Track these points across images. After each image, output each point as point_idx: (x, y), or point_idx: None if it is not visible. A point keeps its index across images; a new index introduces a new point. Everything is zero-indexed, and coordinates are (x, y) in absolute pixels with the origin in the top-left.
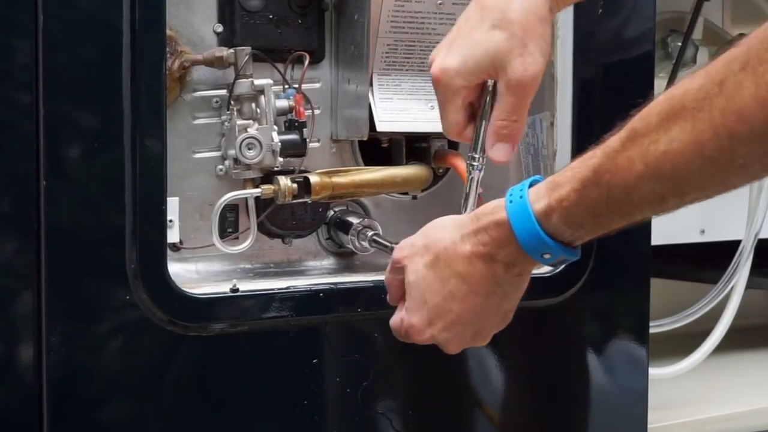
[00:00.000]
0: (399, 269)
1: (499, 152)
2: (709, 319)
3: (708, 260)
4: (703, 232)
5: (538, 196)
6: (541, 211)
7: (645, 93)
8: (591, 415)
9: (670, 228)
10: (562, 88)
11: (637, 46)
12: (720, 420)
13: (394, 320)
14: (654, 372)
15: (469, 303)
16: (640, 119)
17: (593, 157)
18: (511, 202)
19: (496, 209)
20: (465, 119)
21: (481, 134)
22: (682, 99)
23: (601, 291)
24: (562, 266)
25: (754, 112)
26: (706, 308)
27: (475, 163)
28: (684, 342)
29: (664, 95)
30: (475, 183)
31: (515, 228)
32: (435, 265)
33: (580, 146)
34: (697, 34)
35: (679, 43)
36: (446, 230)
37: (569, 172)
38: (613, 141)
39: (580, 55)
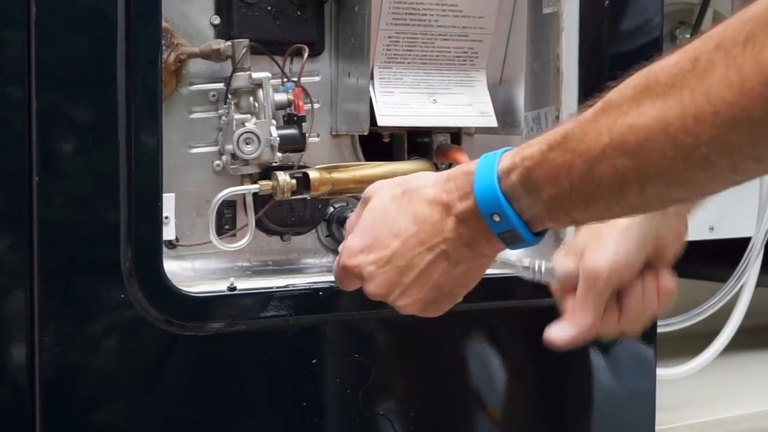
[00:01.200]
0: (366, 200)
1: (558, 334)
2: (718, 319)
3: (717, 258)
4: (712, 229)
5: (508, 155)
6: (503, 168)
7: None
8: (597, 417)
9: None
10: (568, 81)
11: (645, 38)
12: (730, 422)
13: (340, 247)
14: (662, 372)
15: (408, 248)
16: (616, 91)
17: (568, 123)
18: (485, 157)
19: (471, 163)
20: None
21: None
22: (657, 74)
23: None
24: (518, 248)
25: (720, 94)
26: (715, 307)
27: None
28: (693, 342)
29: (643, 69)
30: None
31: (476, 180)
32: (399, 199)
33: None
34: (706, 25)
35: (688, 35)
36: (425, 177)
37: (541, 136)
38: (588, 110)
39: (586, 47)
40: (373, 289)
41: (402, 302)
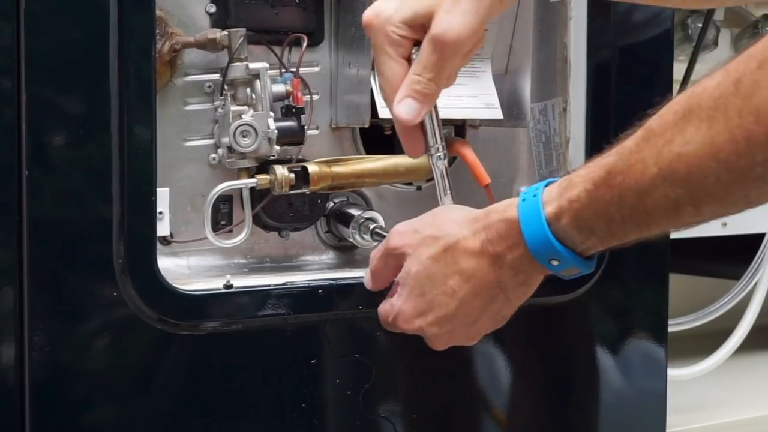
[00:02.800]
0: (396, 256)
1: (403, 108)
2: (731, 317)
3: (730, 254)
4: (725, 224)
5: (551, 197)
6: (551, 213)
7: (663, 77)
8: (606, 418)
9: None
10: (576, 71)
11: (656, 27)
12: (743, 424)
13: (383, 306)
14: (673, 373)
15: (467, 303)
16: (657, 118)
17: (608, 156)
18: (524, 200)
19: (508, 207)
20: (405, 73)
21: (434, 119)
22: (699, 97)
23: (617, 287)
24: (576, 276)
25: None
26: (728, 306)
27: (436, 153)
28: (705, 341)
29: (683, 93)
30: (441, 175)
31: (524, 229)
32: (441, 258)
33: (594, 134)
34: (719, 15)
35: (700, 25)
36: (458, 225)
37: (584, 171)
38: (628, 140)
39: (594, 36)
40: (441, 346)
41: (468, 343)
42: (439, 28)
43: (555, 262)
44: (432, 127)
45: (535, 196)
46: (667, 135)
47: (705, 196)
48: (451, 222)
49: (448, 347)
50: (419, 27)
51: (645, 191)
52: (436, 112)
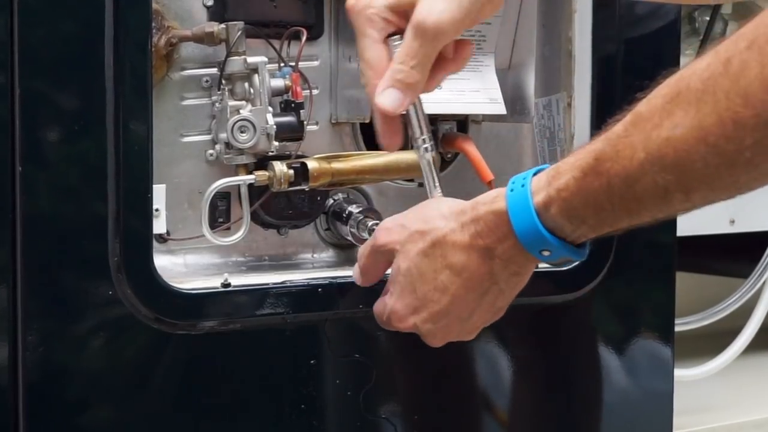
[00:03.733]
0: (385, 252)
1: (385, 98)
2: (739, 317)
3: (738, 252)
4: (733, 222)
5: (539, 186)
6: (540, 203)
7: (670, 72)
8: (612, 420)
9: (698, 218)
10: (580, 65)
11: (662, 20)
12: (751, 426)
13: (378, 305)
14: (680, 374)
15: (460, 297)
16: (645, 102)
17: (597, 142)
18: (512, 191)
19: (496, 198)
20: (387, 57)
21: (419, 110)
22: (688, 80)
23: (622, 286)
24: (569, 266)
25: (759, 95)
26: (736, 305)
27: (423, 145)
28: (712, 341)
29: (673, 75)
30: (428, 167)
31: (513, 220)
32: (430, 253)
33: (599, 129)
34: (726, 8)
35: (707, 18)
36: (445, 218)
37: (572, 159)
38: (617, 125)
39: (599, 30)
40: (438, 342)
41: (466, 338)
42: (420, 14)
43: (546, 253)
44: (417, 118)
45: (523, 186)
46: (655, 119)
47: (694, 182)
48: (438, 215)
49: (446, 343)
50: (402, 14)
51: (634, 178)
52: (420, 102)
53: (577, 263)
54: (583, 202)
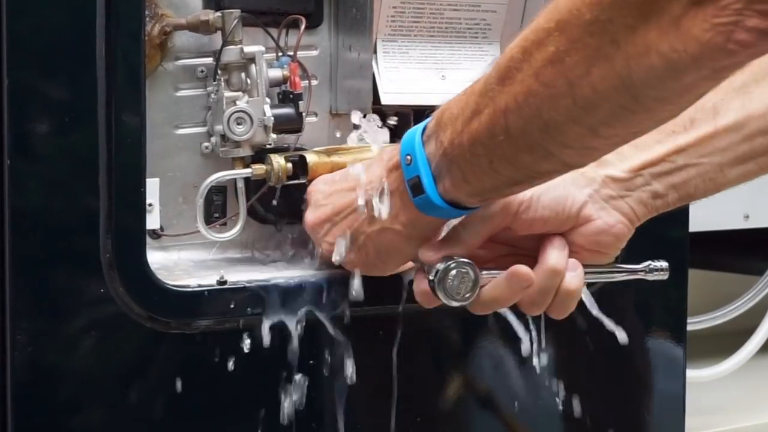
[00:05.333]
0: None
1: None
2: (753, 315)
3: (753, 249)
4: (747, 217)
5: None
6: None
7: None
8: (622, 421)
9: (711, 213)
10: None
11: None
12: (766, 428)
13: None
14: (692, 374)
15: (347, 187)
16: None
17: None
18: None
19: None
20: None
21: None
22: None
23: (633, 283)
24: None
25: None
26: (750, 303)
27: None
28: (725, 341)
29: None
30: None
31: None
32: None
33: None
34: None
35: None
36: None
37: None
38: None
39: None
40: (310, 217)
41: (328, 239)
42: None
43: (408, 158)
44: None
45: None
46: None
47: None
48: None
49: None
50: None
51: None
52: None
53: None
54: (448, 115)
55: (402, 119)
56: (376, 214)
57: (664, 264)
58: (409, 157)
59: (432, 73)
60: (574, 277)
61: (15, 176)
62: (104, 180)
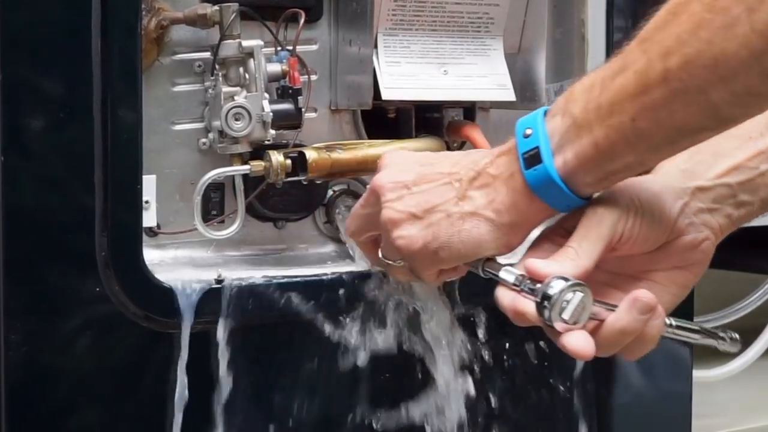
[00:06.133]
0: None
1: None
2: (762, 314)
3: (761, 246)
4: None
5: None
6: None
7: None
8: (628, 422)
9: None
10: (594, 49)
11: None
12: None
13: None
14: (699, 375)
15: (434, 171)
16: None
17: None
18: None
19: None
20: None
21: None
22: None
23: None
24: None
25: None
26: (758, 302)
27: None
28: None
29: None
30: None
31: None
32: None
33: None
34: None
35: None
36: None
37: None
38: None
39: (614, 12)
40: (384, 178)
41: (405, 233)
42: None
43: (528, 131)
44: None
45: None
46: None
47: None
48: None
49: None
50: None
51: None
52: None
53: None
54: (580, 88)
55: (403, 115)
56: (468, 194)
57: (737, 336)
58: (529, 131)
59: (434, 68)
60: (658, 324)
61: (9, 173)
62: (100, 177)
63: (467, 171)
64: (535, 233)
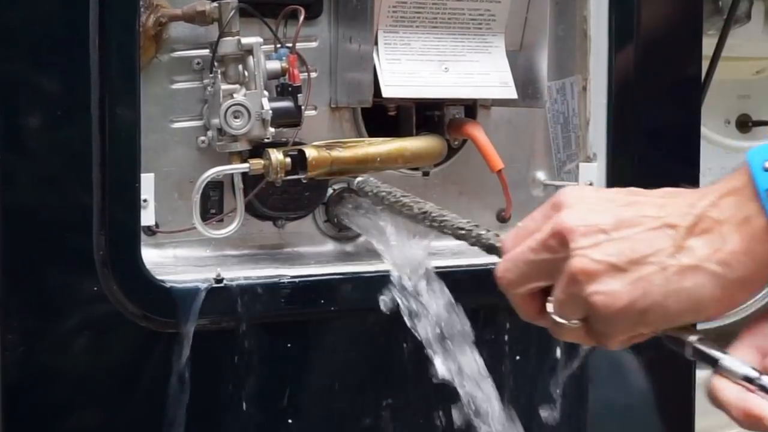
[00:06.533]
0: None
1: None
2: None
3: None
4: None
5: None
6: None
7: (692, 53)
8: (631, 422)
9: None
10: (596, 46)
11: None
12: None
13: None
14: (702, 374)
15: (639, 216)
16: None
17: None
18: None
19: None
20: None
21: None
22: None
23: None
24: None
25: None
26: (761, 302)
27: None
28: None
29: None
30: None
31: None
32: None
33: (616, 114)
34: None
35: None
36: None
37: None
38: None
39: (617, 9)
40: (573, 220)
41: (605, 287)
42: None
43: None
44: None
45: None
46: None
47: None
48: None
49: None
50: None
51: None
52: None
53: None
54: None
55: (403, 112)
56: (687, 244)
57: None
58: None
59: (435, 66)
60: None
61: (6, 172)
62: (98, 175)
63: (683, 216)
64: None
